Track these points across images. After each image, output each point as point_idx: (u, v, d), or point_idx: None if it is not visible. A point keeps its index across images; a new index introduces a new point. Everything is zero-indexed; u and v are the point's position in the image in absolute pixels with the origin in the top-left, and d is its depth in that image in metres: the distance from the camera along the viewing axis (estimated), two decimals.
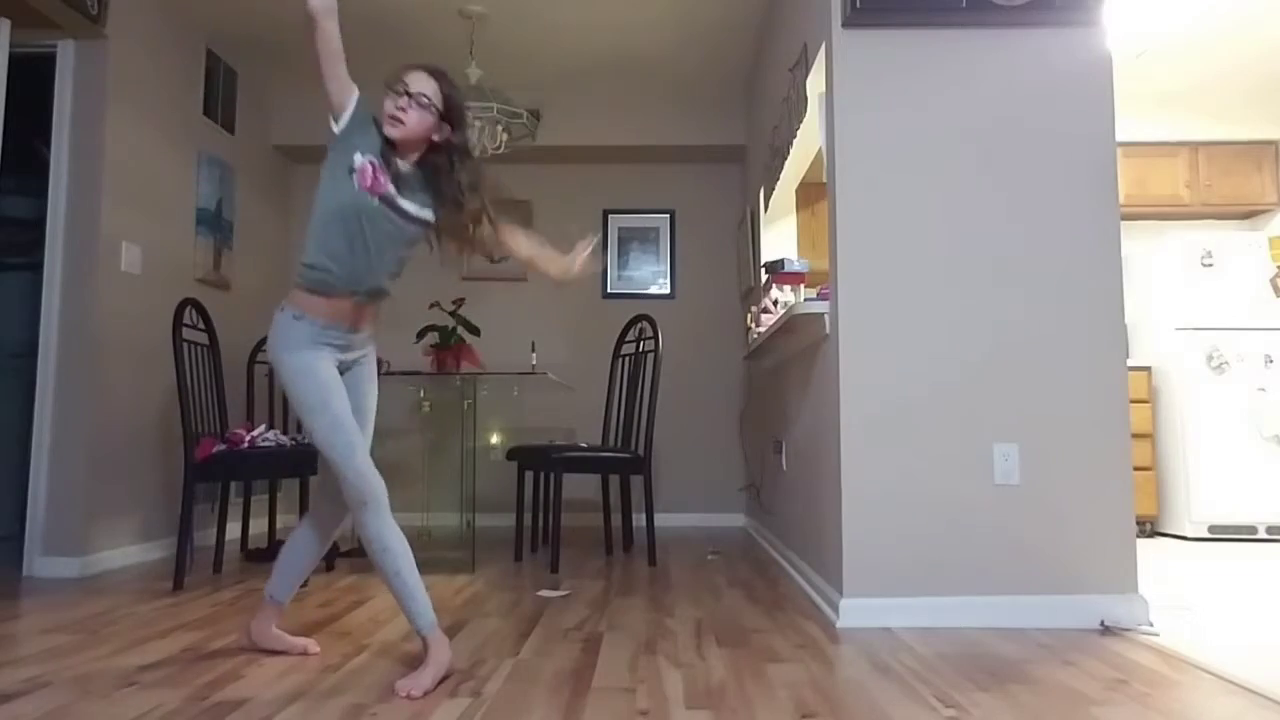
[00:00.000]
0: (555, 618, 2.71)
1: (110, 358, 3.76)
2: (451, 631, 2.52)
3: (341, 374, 2.18)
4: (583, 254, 2.41)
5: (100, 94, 3.74)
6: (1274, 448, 4.59)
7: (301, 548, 2.31)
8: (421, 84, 2.12)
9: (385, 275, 2.19)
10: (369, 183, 2.09)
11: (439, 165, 2.18)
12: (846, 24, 2.77)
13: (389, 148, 2.13)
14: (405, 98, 2.10)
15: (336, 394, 2.10)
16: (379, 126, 2.13)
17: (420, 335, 4.15)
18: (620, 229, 5.71)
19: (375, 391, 2.31)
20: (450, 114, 2.17)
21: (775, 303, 3.71)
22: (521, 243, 2.39)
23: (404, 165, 2.16)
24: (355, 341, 2.21)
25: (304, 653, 2.26)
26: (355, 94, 2.12)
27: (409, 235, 2.19)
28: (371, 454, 2.13)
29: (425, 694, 1.90)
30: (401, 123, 2.10)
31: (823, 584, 2.90)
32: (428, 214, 2.19)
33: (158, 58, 4.14)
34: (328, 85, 2.07)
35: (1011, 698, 1.87)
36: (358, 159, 2.09)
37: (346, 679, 2.03)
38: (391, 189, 2.12)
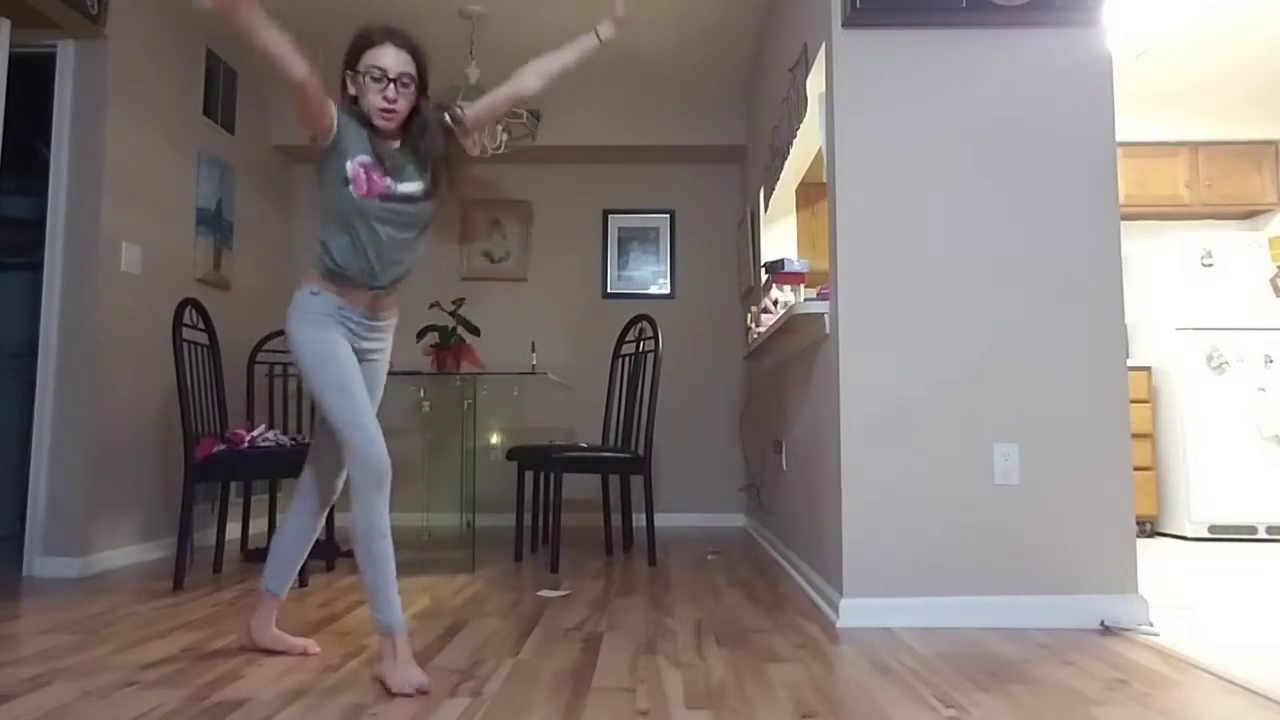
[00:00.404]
0: (555, 618, 2.72)
1: (110, 358, 3.76)
2: (452, 631, 2.52)
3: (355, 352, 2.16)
4: None
5: (100, 94, 3.74)
6: (1274, 448, 4.59)
7: (293, 535, 2.29)
8: (398, 63, 2.05)
9: (404, 264, 2.16)
10: (365, 188, 2.04)
11: (415, 129, 2.12)
12: (846, 24, 2.77)
13: (375, 136, 2.08)
14: (390, 85, 2.04)
15: (354, 376, 2.08)
16: (359, 119, 2.07)
17: (420, 335, 4.16)
18: (620, 229, 5.71)
19: (382, 384, 2.30)
20: (424, 77, 2.11)
21: (775, 303, 3.71)
22: (540, 72, 2.25)
23: (391, 146, 2.10)
24: (373, 329, 2.20)
25: (304, 653, 2.25)
26: (335, 110, 2.05)
27: (421, 217, 2.15)
28: None
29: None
30: (395, 112, 2.05)
31: (823, 584, 2.90)
32: (427, 182, 2.13)
33: (158, 58, 4.14)
34: (315, 124, 2.02)
35: (1011, 698, 1.87)
36: (350, 166, 2.04)
37: (346, 679, 2.03)
38: (389, 182, 2.07)
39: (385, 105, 2.04)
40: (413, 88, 2.08)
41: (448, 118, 2.18)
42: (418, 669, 1.95)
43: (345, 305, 2.12)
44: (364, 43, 2.08)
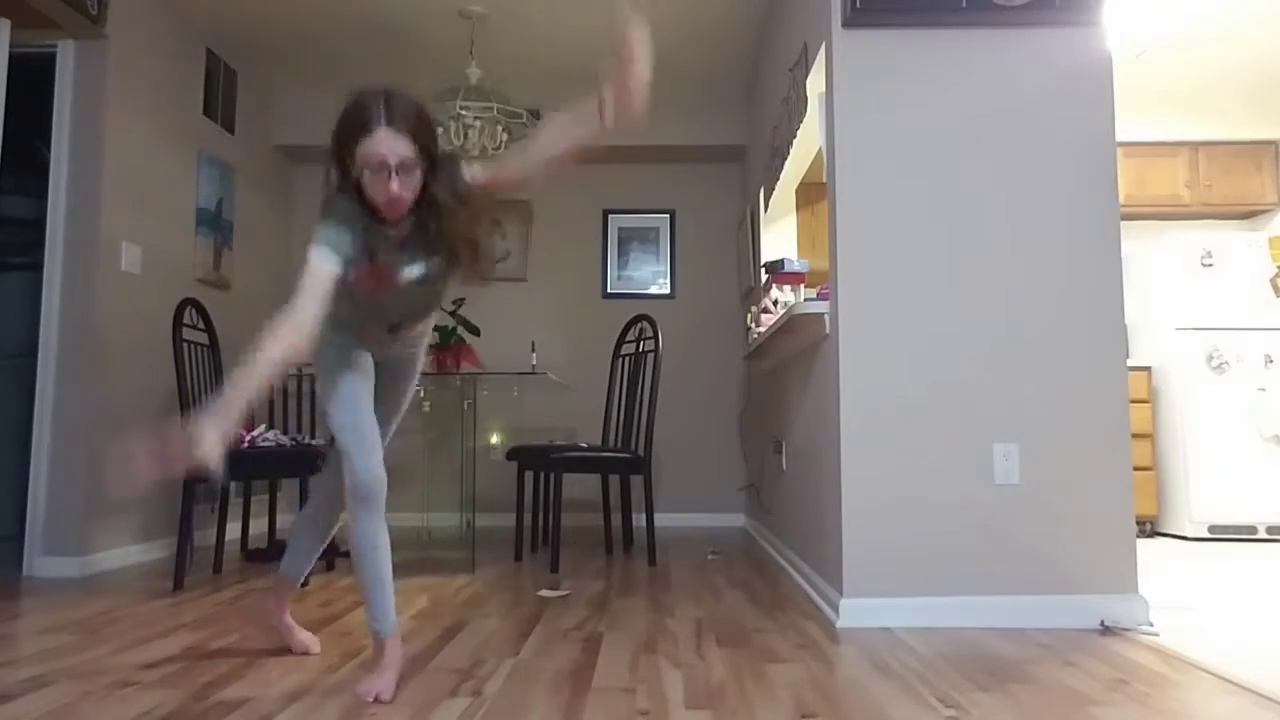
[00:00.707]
0: (555, 618, 2.71)
1: (110, 358, 3.76)
2: (451, 632, 2.52)
3: (379, 362, 2.12)
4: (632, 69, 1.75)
5: (100, 94, 3.74)
6: (1274, 448, 4.59)
7: (305, 531, 2.28)
8: (396, 147, 1.79)
9: (421, 318, 2.12)
10: (369, 288, 1.93)
11: (426, 209, 1.90)
12: (846, 24, 2.77)
13: (375, 225, 1.88)
14: (394, 177, 1.79)
15: (362, 381, 2.02)
16: (353, 214, 1.86)
17: None
18: (620, 229, 5.71)
19: (410, 389, 2.24)
20: (428, 145, 1.86)
21: (775, 303, 3.71)
22: (538, 156, 1.93)
23: (396, 232, 1.92)
24: (394, 346, 2.15)
25: (305, 652, 2.25)
26: (329, 259, 1.80)
27: (436, 289, 2.05)
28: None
29: (394, 696, 1.87)
30: (402, 201, 1.83)
31: (823, 584, 2.90)
32: (441, 261, 1.97)
33: (158, 58, 4.14)
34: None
35: (1011, 698, 1.87)
36: (351, 274, 1.87)
37: (346, 679, 2.03)
38: (394, 275, 1.94)
39: (389, 200, 1.82)
40: (418, 171, 1.84)
41: (461, 181, 1.92)
42: (390, 678, 1.90)
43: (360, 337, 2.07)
44: (355, 126, 1.80)
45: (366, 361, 2.08)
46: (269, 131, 5.31)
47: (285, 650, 2.27)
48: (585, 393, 5.22)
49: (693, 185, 5.70)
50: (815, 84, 3.13)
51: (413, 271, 1.97)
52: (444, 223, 1.91)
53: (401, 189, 1.81)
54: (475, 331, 4.24)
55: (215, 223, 4.63)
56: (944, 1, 2.74)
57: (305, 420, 4.20)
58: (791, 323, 3.08)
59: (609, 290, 5.67)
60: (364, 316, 2.03)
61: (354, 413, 2.00)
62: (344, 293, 1.89)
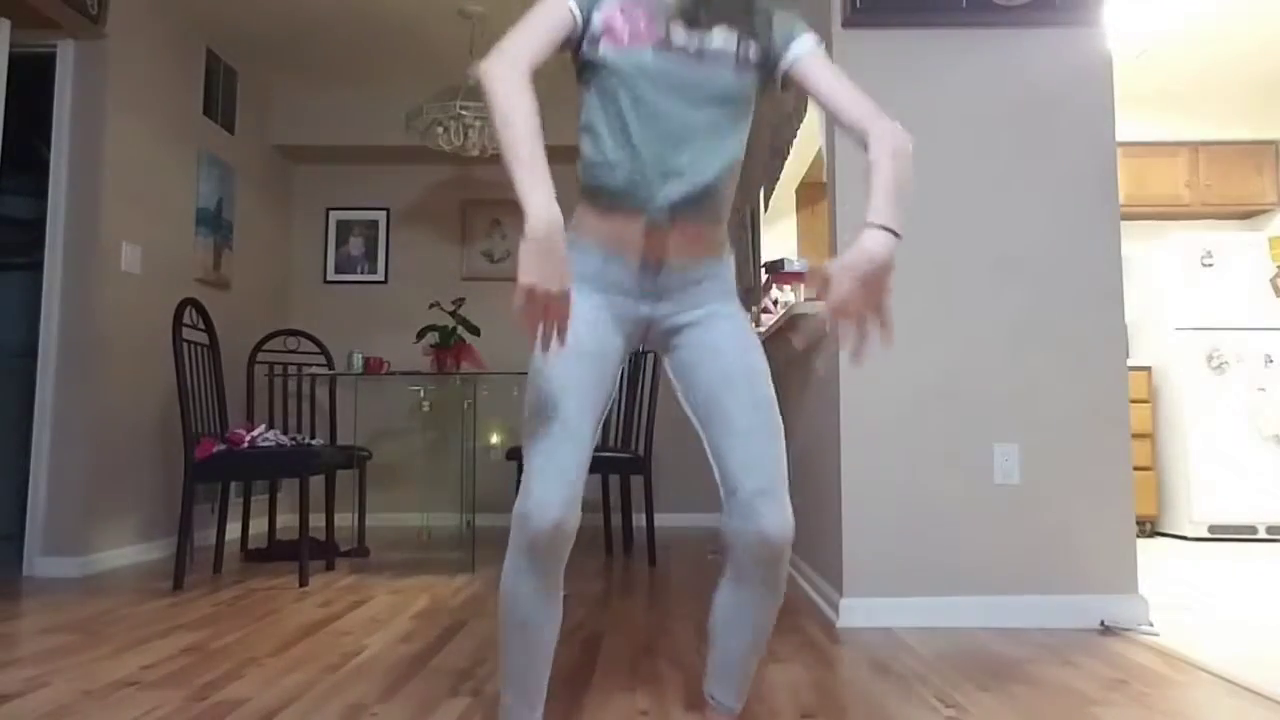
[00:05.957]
0: None
1: (110, 358, 3.76)
2: (451, 631, 2.52)
3: (672, 333, 1.45)
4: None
5: (100, 94, 3.74)
6: (1274, 448, 4.59)
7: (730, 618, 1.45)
8: None
9: (701, 169, 1.34)
10: (627, 37, 1.33)
11: None
12: (846, 24, 2.77)
13: None
14: None
15: (578, 385, 1.32)
16: None
17: (420, 335, 4.16)
18: None
19: (744, 384, 1.43)
20: None
21: (775, 303, 3.71)
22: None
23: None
24: (665, 284, 1.39)
25: None
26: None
27: (725, 88, 1.35)
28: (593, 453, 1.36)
29: None
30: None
31: (823, 584, 2.90)
32: (743, 44, 1.37)
33: (158, 58, 4.14)
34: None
35: (1011, 698, 1.87)
36: (597, 19, 1.34)
37: (346, 679, 2.03)
38: (669, 32, 1.33)
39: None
40: None
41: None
42: None
43: (611, 255, 1.36)
44: None
45: (596, 343, 1.37)
46: (269, 131, 5.30)
47: (285, 650, 2.27)
48: None
49: None
50: None
51: (691, 39, 1.34)
52: None
53: None
54: (475, 331, 4.24)
55: (215, 223, 4.63)
56: (944, 1, 2.74)
57: (305, 420, 4.20)
58: (791, 323, 3.08)
59: None
60: (616, 138, 1.36)
61: (541, 438, 1.30)
62: (596, 79, 1.37)
